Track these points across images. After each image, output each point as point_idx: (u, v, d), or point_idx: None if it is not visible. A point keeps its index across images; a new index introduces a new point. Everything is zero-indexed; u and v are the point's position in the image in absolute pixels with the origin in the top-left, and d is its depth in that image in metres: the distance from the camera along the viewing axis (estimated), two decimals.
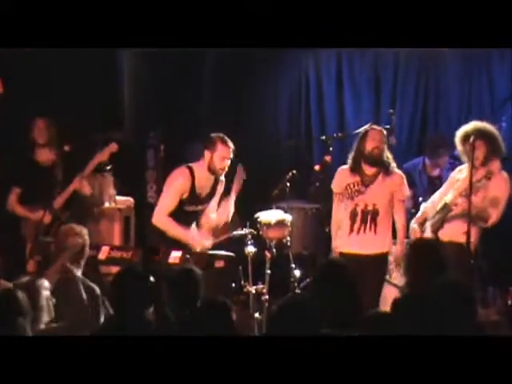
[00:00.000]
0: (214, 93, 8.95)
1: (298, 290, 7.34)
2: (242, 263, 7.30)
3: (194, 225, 6.75)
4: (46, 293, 4.86)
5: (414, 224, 6.78)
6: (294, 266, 7.50)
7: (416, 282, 5.18)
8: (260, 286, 7.34)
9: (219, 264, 6.48)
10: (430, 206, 6.84)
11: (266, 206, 7.70)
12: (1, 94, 7.50)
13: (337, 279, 4.69)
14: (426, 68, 8.80)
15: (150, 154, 8.30)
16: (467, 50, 7.94)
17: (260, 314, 7.08)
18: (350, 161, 6.71)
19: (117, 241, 7.68)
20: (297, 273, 7.49)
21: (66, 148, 7.24)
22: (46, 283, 4.94)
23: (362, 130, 6.79)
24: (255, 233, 7.39)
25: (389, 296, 6.42)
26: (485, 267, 7.17)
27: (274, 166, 8.69)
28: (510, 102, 8.48)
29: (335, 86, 8.96)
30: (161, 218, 6.59)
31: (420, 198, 7.33)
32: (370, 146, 6.59)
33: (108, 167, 7.57)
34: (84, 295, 5.67)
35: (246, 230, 7.32)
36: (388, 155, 6.68)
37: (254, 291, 7.28)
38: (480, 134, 6.53)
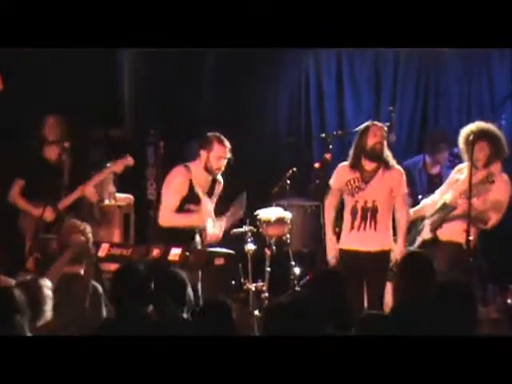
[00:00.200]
0: (214, 93, 8.94)
1: (297, 288, 7.35)
2: (242, 260, 7.32)
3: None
4: (47, 292, 4.85)
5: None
6: (293, 263, 7.52)
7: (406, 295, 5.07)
8: (260, 284, 7.36)
9: (219, 261, 6.45)
10: (429, 204, 6.85)
11: (266, 204, 7.71)
12: (0, 91, 7.48)
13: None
14: (426, 67, 8.80)
15: (150, 151, 8.28)
16: (467, 49, 7.94)
17: (260, 312, 7.08)
18: (350, 157, 6.70)
19: (116, 238, 7.65)
20: (296, 270, 7.51)
21: (74, 145, 7.28)
22: (48, 283, 4.93)
23: (362, 126, 6.80)
24: (255, 230, 7.42)
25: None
26: (484, 265, 7.17)
27: (274, 164, 8.67)
28: (510, 100, 8.48)
29: (335, 85, 8.95)
30: (168, 216, 6.58)
31: (419, 197, 7.32)
32: (371, 141, 6.57)
33: (108, 164, 7.56)
34: (86, 294, 5.67)
35: (245, 228, 7.34)
36: (388, 153, 6.68)
37: (253, 289, 7.30)
38: (484, 135, 6.49)
